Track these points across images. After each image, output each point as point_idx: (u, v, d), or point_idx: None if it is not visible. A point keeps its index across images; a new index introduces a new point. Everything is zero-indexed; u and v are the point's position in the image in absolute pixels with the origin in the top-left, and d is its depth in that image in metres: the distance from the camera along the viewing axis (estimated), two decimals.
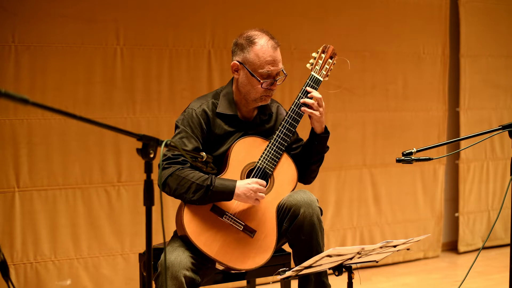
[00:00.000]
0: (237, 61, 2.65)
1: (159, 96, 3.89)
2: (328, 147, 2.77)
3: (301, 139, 2.85)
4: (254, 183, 2.53)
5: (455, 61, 4.99)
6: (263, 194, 2.55)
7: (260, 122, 2.75)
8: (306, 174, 2.79)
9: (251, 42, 2.62)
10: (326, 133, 2.72)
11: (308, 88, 2.67)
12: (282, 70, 2.66)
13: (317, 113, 2.65)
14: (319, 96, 2.65)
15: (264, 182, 2.56)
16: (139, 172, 3.82)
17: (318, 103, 2.64)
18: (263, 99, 2.66)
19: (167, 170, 2.52)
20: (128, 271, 3.84)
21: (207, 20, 4.00)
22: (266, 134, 2.74)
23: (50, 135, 3.63)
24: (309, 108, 2.65)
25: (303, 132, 2.88)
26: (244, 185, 2.52)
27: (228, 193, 2.52)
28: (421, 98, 4.80)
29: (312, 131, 2.72)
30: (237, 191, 2.52)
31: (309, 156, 2.74)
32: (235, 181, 2.54)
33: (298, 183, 2.72)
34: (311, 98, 2.65)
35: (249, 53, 2.61)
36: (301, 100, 2.64)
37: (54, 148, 3.65)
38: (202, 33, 3.99)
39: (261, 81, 2.59)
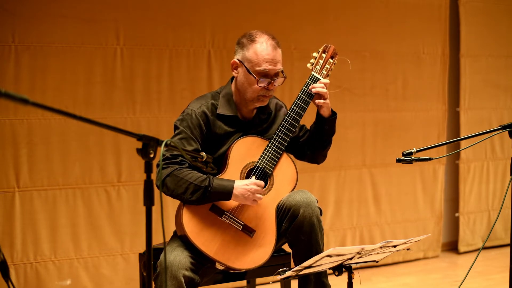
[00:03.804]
0: (237, 59, 2.66)
1: (159, 96, 3.89)
2: (334, 129, 2.79)
3: (304, 125, 2.86)
4: (252, 184, 2.53)
5: (455, 61, 4.99)
6: (260, 196, 2.55)
7: (259, 122, 2.75)
8: (318, 156, 2.83)
9: (251, 40, 2.62)
10: (333, 115, 2.73)
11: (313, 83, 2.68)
12: (282, 71, 2.66)
13: (327, 101, 2.67)
14: (327, 81, 2.68)
15: (262, 183, 2.56)
16: (139, 172, 3.82)
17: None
18: (260, 100, 2.65)
19: (165, 170, 2.52)
20: (128, 271, 3.84)
21: (207, 20, 4.00)
22: (266, 133, 2.75)
23: (50, 135, 3.63)
24: (321, 99, 2.66)
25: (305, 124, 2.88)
26: (242, 186, 2.52)
27: (226, 193, 2.52)
28: (421, 98, 4.80)
29: (320, 116, 2.72)
30: (234, 191, 2.52)
31: (321, 140, 2.75)
32: (233, 181, 2.54)
33: (298, 181, 2.72)
34: (315, 88, 2.66)
35: (248, 51, 2.61)
36: (314, 90, 2.64)
37: (54, 148, 3.65)
38: (202, 33, 3.99)
39: (257, 78, 2.59)
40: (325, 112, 2.70)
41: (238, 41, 2.68)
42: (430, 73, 4.82)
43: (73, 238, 3.70)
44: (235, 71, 2.68)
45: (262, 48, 2.59)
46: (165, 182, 2.52)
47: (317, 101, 2.67)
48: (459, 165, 4.99)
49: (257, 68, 2.59)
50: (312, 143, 2.78)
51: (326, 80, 2.69)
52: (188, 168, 2.55)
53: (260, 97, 2.63)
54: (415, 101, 4.78)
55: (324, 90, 2.65)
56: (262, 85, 2.60)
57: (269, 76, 2.61)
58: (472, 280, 4.19)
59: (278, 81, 2.64)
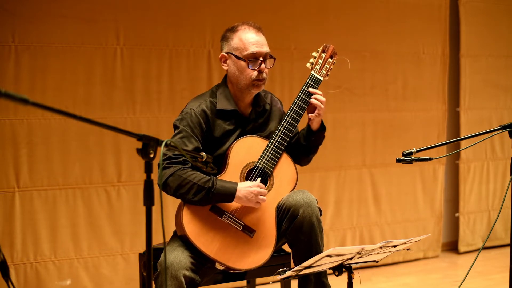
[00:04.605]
0: (224, 52, 2.70)
1: (159, 96, 3.89)
2: (324, 137, 2.79)
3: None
4: (255, 186, 2.54)
5: (455, 61, 4.99)
6: (264, 197, 2.55)
7: (256, 117, 2.75)
8: (302, 160, 2.84)
9: (234, 31, 2.68)
10: (322, 128, 2.74)
11: (311, 89, 2.67)
12: (270, 54, 2.67)
13: (321, 116, 2.69)
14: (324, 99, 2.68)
15: (264, 186, 2.57)
16: (139, 172, 3.82)
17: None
18: (255, 85, 2.65)
19: (168, 169, 2.52)
20: (128, 271, 3.84)
21: (207, 20, 4.00)
22: (263, 128, 2.75)
23: (50, 135, 3.64)
24: (315, 112, 2.66)
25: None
26: (245, 188, 2.52)
27: (229, 195, 2.52)
28: (421, 98, 4.80)
29: (309, 128, 2.73)
30: (238, 193, 2.52)
31: (307, 148, 2.76)
32: (236, 183, 2.54)
33: (298, 181, 2.72)
34: (315, 100, 2.66)
35: (233, 40, 2.66)
36: (313, 102, 2.65)
37: (54, 148, 3.65)
38: (202, 33, 3.99)
39: (247, 61, 2.61)
40: (314, 126, 2.71)
41: (222, 37, 2.73)
42: (430, 73, 4.82)
43: (73, 238, 3.70)
44: (225, 64, 2.71)
45: (246, 34, 2.65)
46: (168, 182, 2.51)
47: (310, 114, 2.68)
48: (459, 165, 4.99)
49: (245, 53, 2.63)
50: (297, 147, 2.79)
51: (323, 99, 2.68)
52: (191, 168, 2.55)
53: (254, 82, 2.64)
54: (415, 101, 4.78)
55: (322, 105, 2.65)
56: (253, 67, 2.62)
57: (258, 58, 2.63)
58: (472, 280, 4.19)
59: (268, 62, 2.67)
